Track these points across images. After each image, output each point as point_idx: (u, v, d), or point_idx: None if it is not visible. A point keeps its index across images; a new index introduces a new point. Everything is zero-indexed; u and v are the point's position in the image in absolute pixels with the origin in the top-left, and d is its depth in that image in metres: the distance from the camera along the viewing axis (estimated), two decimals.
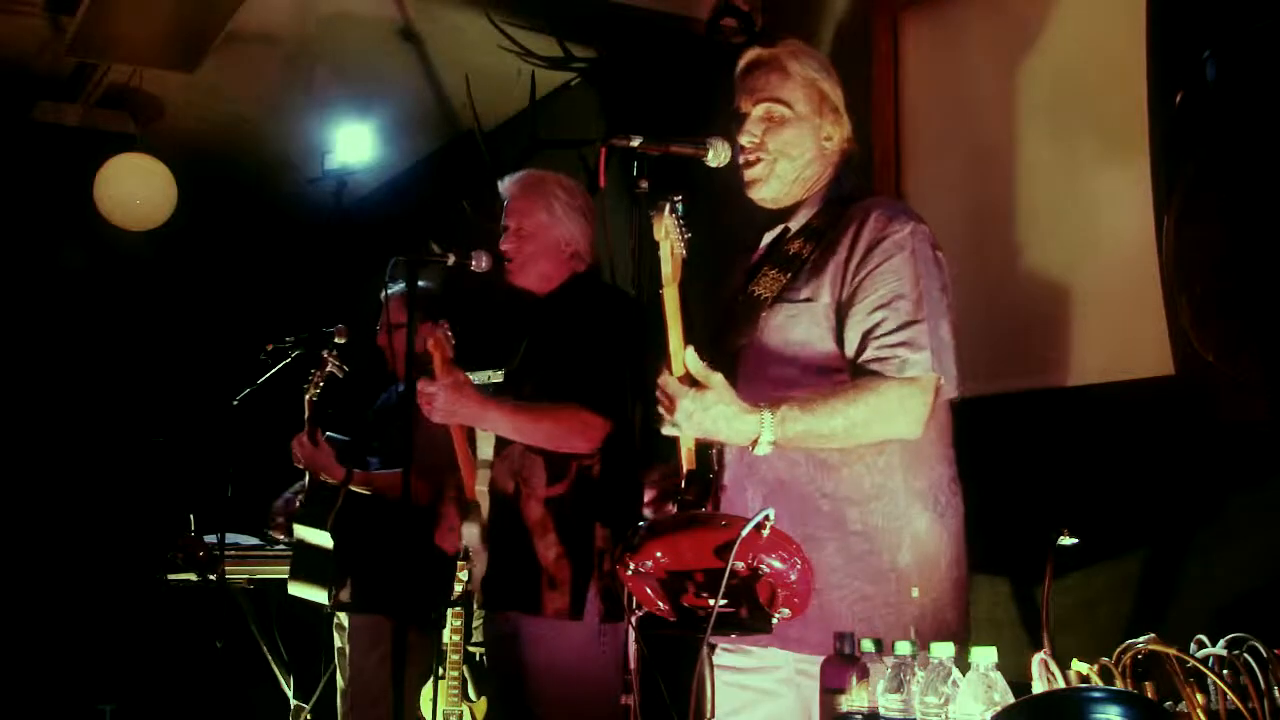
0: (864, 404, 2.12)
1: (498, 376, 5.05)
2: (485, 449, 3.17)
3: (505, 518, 2.99)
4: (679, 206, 2.09)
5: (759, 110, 2.36)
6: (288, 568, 4.66)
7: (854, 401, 2.11)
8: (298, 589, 4.11)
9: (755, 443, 2.09)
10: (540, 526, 2.90)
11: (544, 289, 3.10)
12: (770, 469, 2.23)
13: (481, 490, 3.09)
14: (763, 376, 2.26)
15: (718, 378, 2.07)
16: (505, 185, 3.16)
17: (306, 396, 3.81)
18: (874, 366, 2.17)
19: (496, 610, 3.10)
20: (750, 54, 2.42)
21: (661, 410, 2.11)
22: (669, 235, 2.10)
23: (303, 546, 4.14)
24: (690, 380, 2.07)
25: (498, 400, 3.01)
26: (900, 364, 2.15)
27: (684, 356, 2.07)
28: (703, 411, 2.06)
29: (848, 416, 2.11)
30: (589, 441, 2.87)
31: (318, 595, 4.00)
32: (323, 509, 3.93)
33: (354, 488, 3.78)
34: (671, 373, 2.09)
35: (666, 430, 2.14)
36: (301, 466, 3.88)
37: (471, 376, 5.15)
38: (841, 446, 2.17)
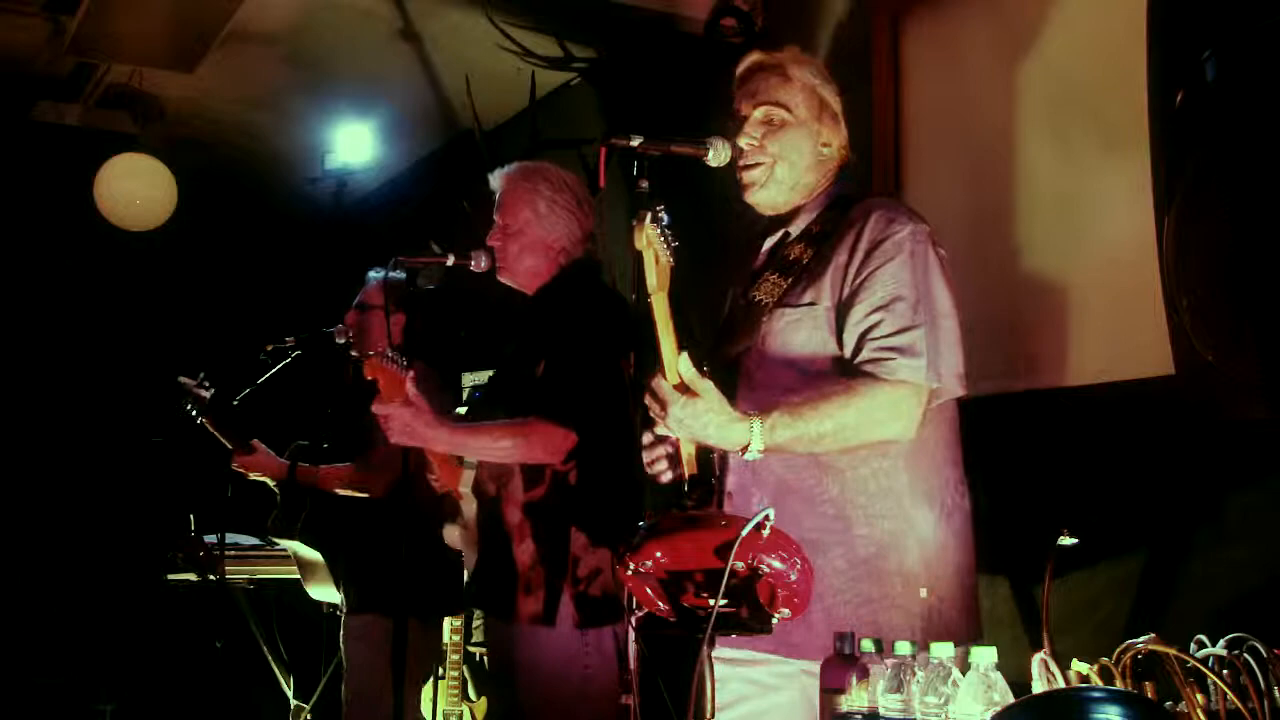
0: (854, 408, 2.12)
1: None
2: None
3: (489, 520, 2.98)
4: (662, 216, 2.07)
5: (759, 113, 2.36)
6: (288, 568, 4.68)
7: (844, 406, 2.11)
8: (315, 592, 4.15)
9: (745, 449, 2.09)
10: (518, 531, 2.87)
11: (532, 286, 3.04)
12: (774, 473, 2.23)
13: (465, 491, 3.06)
14: (765, 382, 2.26)
15: (707, 385, 2.06)
16: (495, 178, 3.12)
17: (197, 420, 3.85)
18: (868, 368, 2.17)
19: (476, 609, 3.09)
20: (751, 58, 2.42)
21: (653, 414, 2.11)
22: (651, 245, 2.08)
23: (298, 557, 4.16)
24: (684, 387, 2.06)
25: (454, 423, 2.95)
26: (894, 367, 2.15)
27: (677, 364, 2.07)
28: (693, 419, 2.05)
29: (837, 421, 2.11)
30: (552, 454, 2.80)
31: (334, 595, 4.01)
32: (289, 518, 3.95)
33: (301, 483, 3.82)
34: (665, 378, 2.09)
35: (661, 431, 2.14)
36: (251, 476, 3.89)
37: (471, 377, 5.20)
38: (832, 449, 2.16)
